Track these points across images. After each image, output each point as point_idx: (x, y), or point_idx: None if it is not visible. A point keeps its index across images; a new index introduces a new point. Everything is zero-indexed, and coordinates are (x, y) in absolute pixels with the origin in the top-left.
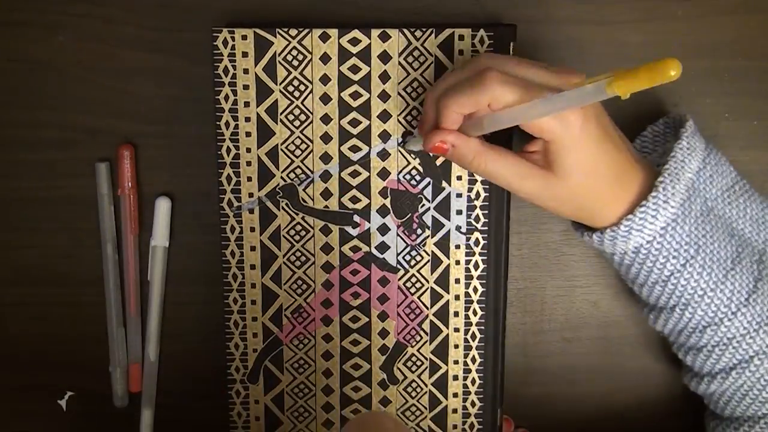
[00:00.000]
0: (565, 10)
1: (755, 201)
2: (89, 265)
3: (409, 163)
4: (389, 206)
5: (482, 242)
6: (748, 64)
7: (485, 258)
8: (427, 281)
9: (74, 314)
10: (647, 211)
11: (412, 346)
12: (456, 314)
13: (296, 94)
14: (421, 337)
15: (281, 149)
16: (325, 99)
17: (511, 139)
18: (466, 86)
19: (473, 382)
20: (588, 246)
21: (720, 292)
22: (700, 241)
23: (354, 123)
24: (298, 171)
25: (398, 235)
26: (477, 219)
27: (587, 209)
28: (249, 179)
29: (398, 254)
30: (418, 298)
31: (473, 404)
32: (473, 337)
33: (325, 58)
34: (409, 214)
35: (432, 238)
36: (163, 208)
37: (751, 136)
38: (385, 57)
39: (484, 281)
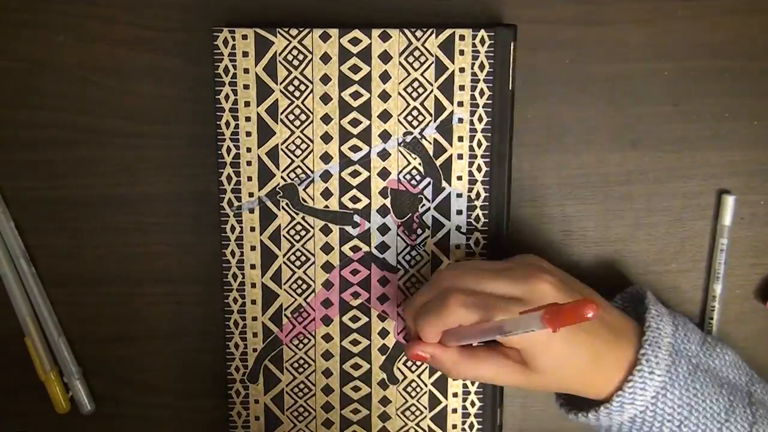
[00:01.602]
0: (565, 10)
1: (726, 347)
2: (89, 265)
3: (409, 163)
4: (389, 206)
5: (482, 242)
6: (748, 64)
7: (485, 258)
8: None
9: (75, 315)
10: (635, 384)
11: None
12: None
13: (297, 93)
14: None
15: (281, 149)
16: (326, 99)
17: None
18: (432, 309)
19: (473, 381)
20: (600, 424)
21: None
22: (692, 401)
23: (354, 123)
24: (299, 171)
25: (398, 235)
26: (477, 219)
27: (575, 389)
28: (249, 179)
29: (398, 254)
30: None
31: (473, 404)
32: None
33: (325, 58)
34: (410, 214)
35: (432, 238)
36: None
37: (751, 136)
38: (385, 57)
39: None
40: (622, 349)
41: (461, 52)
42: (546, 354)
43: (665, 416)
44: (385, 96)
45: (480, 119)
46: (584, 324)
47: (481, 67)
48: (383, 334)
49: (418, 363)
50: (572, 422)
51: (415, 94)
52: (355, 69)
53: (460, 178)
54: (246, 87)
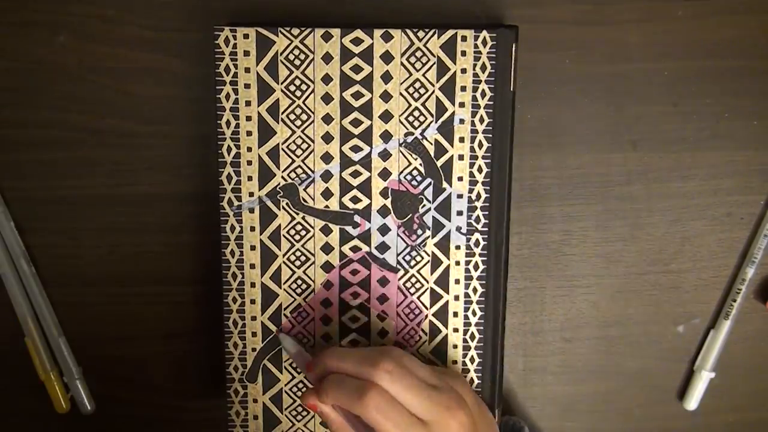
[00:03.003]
0: (565, 10)
1: None
2: (89, 265)
3: (410, 163)
4: (390, 206)
5: (482, 243)
6: (748, 64)
7: (485, 259)
8: (427, 282)
9: (75, 315)
10: None
11: (411, 346)
12: (455, 314)
13: (298, 93)
14: (420, 338)
15: (282, 149)
16: (327, 99)
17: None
18: (349, 391)
19: (472, 382)
20: None
21: None
22: None
23: (355, 123)
24: (299, 170)
25: (398, 235)
26: (477, 220)
27: None
28: (249, 178)
29: (398, 254)
30: (418, 298)
31: None
32: (472, 337)
33: (327, 58)
34: (410, 215)
35: (432, 238)
36: None
37: (751, 136)
38: (387, 57)
39: (484, 282)
40: None
41: (463, 53)
42: None
43: None
44: (386, 96)
45: (481, 120)
46: None
47: (483, 68)
48: (382, 334)
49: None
50: (574, 421)
51: (416, 95)
52: (356, 69)
53: (460, 178)
54: (247, 86)
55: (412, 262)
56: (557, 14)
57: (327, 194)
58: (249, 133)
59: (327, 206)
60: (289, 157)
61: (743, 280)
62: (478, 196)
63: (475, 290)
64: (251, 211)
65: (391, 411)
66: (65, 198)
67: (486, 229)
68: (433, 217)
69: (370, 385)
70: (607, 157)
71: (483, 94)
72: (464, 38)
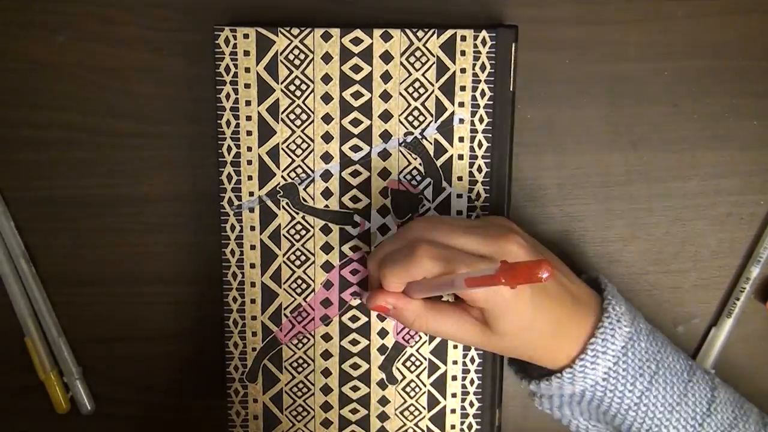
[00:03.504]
0: (565, 10)
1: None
2: (89, 265)
3: (409, 163)
4: (390, 206)
5: None
6: (748, 64)
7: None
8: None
9: (75, 315)
10: (605, 331)
11: (411, 346)
12: None
13: (297, 93)
14: (420, 338)
15: (282, 148)
16: (327, 98)
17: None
18: (399, 258)
19: (472, 382)
20: (542, 394)
21: (685, 405)
22: (657, 356)
23: (355, 123)
24: (299, 170)
25: None
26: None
27: (536, 356)
28: (249, 178)
29: None
30: None
31: (472, 404)
32: None
33: (326, 58)
34: (410, 215)
35: None
36: None
37: (751, 136)
38: (386, 57)
39: None
40: (583, 319)
41: (462, 53)
42: (509, 316)
43: (636, 369)
44: (386, 96)
45: (481, 120)
46: (551, 291)
47: (483, 67)
48: (382, 334)
49: (417, 363)
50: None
51: (416, 95)
52: (356, 69)
53: (460, 178)
54: (247, 86)
55: None
56: (557, 14)
57: (327, 194)
58: (249, 133)
59: (327, 206)
60: (289, 156)
61: (747, 279)
62: (478, 195)
63: None
64: (251, 210)
65: (444, 252)
66: (65, 198)
67: None
68: None
69: (414, 242)
70: (607, 157)
71: (483, 94)
72: (464, 38)
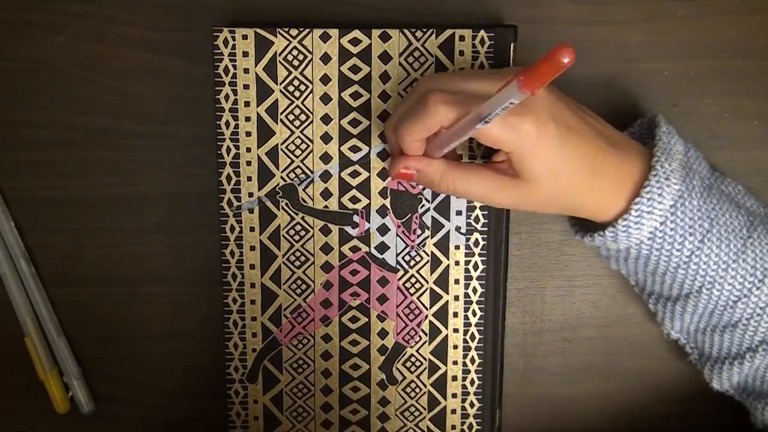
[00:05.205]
0: (565, 10)
1: (735, 181)
2: (89, 265)
3: None
4: (389, 206)
5: (482, 243)
6: (748, 64)
7: (485, 258)
8: (427, 282)
9: (75, 315)
10: (652, 190)
11: (411, 347)
12: (455, 315)
13: (296, 94)
14: (421, 338)
15: (281, 149)
16: (326, 99)
17: None
18: (412, 113)
19: (472, 382)
20: (597, 246)
21: (743, 262)
22: (711, 214)
23: (354, 123)
24: (298, 171)
25: (398, 235)
26: (477, 219)
27: (576, 206)
28: (249, 179)
29: (398, 254)
30: (418, 298)
31: (472, 405)
32: (472, 337)
33: (325, 58)
34: (409, 215)
35: (432, 238)
36: None
37: (751, 136)
38: (385, 57)
39: (484, 282)
40: (625, 163)
41: (461, 53)
42: (537, 156)
43: (686, 229)
44: (385, 96)
45: None
46: (578, 128)
47: (481, 67)
48: (382, 334)
49: (417, 364)
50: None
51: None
52: (355, 69)
53: None
54: (246, 87)
55: (412, 262)
56: (557, 14)
57: (326, 194)
58: (248, 134)
59: (326, 206)
60: (288, 157)
61: None
62: None
63: (474, 290)
64: (251, 211)
65: (457, 96)
66: (65, 198)
67: (485, 228)
68: (432, 217)
69: (425, 93)
70: None
71: None
72: (462, 38)
